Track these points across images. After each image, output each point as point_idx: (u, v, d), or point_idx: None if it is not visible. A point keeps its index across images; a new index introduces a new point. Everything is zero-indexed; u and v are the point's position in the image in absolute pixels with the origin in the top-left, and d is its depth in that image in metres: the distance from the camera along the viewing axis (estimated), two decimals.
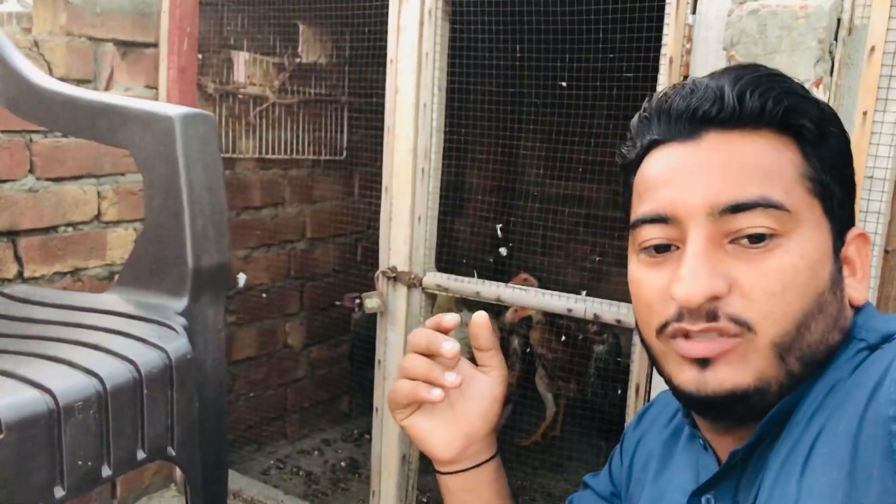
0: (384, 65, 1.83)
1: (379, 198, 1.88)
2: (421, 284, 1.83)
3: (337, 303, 2.67)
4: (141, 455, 0.96)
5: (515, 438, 2.69)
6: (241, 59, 2.36)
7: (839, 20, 1.26)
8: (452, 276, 1.80)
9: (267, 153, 2.48)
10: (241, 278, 2.42)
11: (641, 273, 0.69)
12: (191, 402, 1.02)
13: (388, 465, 1.95)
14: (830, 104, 1.27)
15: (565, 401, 2.67)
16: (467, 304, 2.66)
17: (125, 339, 1.00)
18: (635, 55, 1.59)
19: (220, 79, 2.31)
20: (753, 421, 0.64)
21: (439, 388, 0.75)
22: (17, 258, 1.88)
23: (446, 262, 1.93)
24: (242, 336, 2.55)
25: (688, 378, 0.65)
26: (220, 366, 1.16)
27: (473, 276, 1.82)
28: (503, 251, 2.34)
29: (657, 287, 0.67)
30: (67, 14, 1.95)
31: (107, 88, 2.06)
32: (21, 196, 1.86)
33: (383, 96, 1.84)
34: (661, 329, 0.66)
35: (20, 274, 1.89)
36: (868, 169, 1.27)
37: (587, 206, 2.85)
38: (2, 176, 1.82)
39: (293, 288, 2.71)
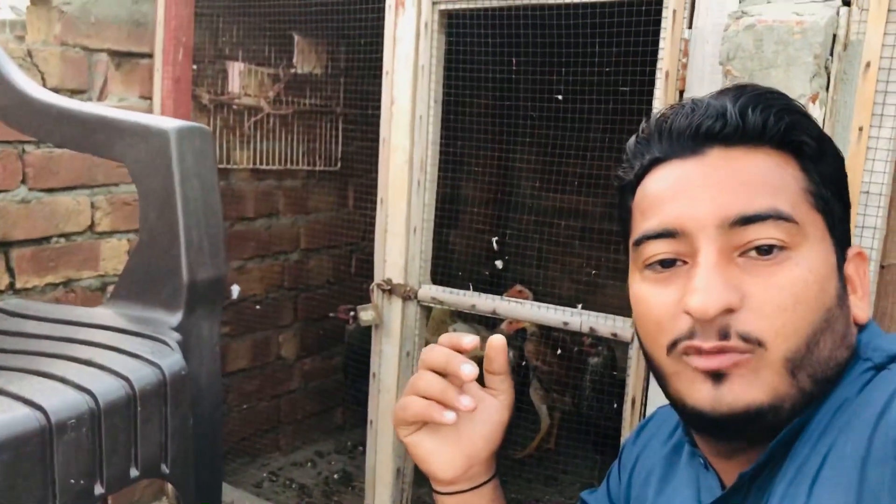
0: (379, 76, 1.83)
1: (374, 209, 1.87)
2: (416, 297, 1.82)
3: (331, 314, 2.65)
4: (134, 473, 0.95)
5: (509, 451, 2.68)
6: (235, 69, 2.36)
7: (835, 36, 1.26)
8: (448, 289, 1.79)
9: (261, 164, 2.48)
10: (235, 290, 2.41)
11: (647, 290, 0.68)
12: (185, 418, 1.01)
13: (382, 477, 1.94)
14: (827, 119, 1.28)
15: (560, 414, 2.66)
16: (461, 317, 2.66)
17: (119, 354, 0.99)
18: (631, 69, 1.59)
19: (214, 89, 2.30)
20: (761, 443, 0.64)
21: (453, 412, 0.73)
22: (9, 269, 1.87)
23: (441, 274, 1.92)
24: (236, 347, 2.54)
25: (703, 396, 0.64)
26: (215, 381, 1.14)
27: (469, 289, 1.81)
28: (499, 264, 2.34)
29: (665, 304, 0.66)
30: (62, 23, 1.95)
31: (101, 99, 2.05)
32: (13, 207, 1.85)
33: (378, 107, 1.84)
34: (672, 347, 0.65)
35: (11, 285, 1.87)
36: (864, 184, 1.27)
37: (582, 219, 2.85)
38: None
39: (287, 299, 2.70)
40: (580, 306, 1.64)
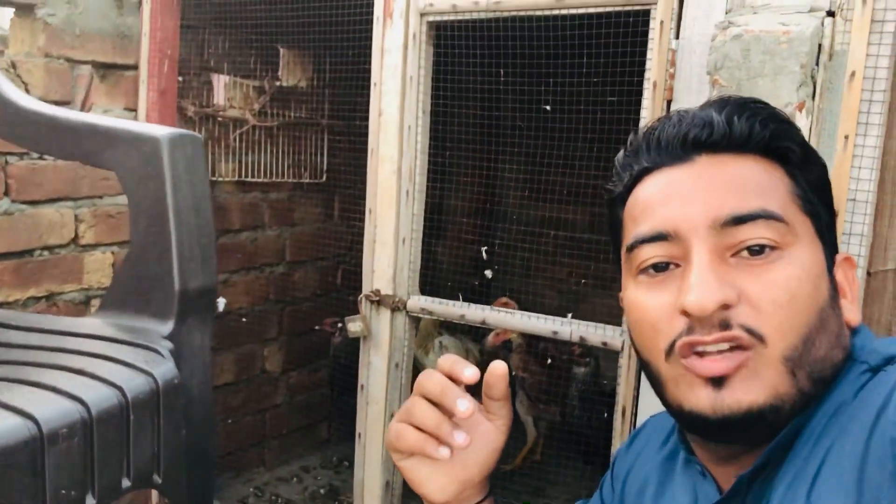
0: (365, 88, 1.83)
1: (360, 221, 1.87)
2: (405, 308, 1.82)
3: (317, 327, 2.64)
4: (126, 483, 0.94)
5: (497, 464, 2.67)
6: (221, 81, 2.35)
7: (820, 45, 1.28)
8: (437, 300, 1.79)
9: (247, 176, 2.47)
10: (221, 303, 2.39)
11: (642, 295, 0.69)
12: (178, 428, 1.00)
13: (370, 491, 1.92)
14: (813, 128, 1.30)
15: (546, 424, 2.66)
16: (448, 328, 2.65)
17: (110, 363, 0.97)
18: (619, 80, 1.61)
19: (200, 101, 2.29)
20: (759, 446, 0.64)
21: (447, 448, 0.71)
22: None
23: (429, 284, 1.92)
24: (220, 361, 2.51)
25: (702, 400, 0.63)
26: (206, 391, 1.13)
27: (456, 299, 1.81)
28: (489, 274, 2.34)
29: (661, 306, 0.66)
30: (46, 35, 1.94)
31: (84, 110, 2.03)
32: None
33: (365, 119, 1.84)
34: (670, 349, 0.65)
35: None
36: (850, 192, 1.28)
37: (570, 229, 2.86)
38: None
39: (272, 312, 2.68)
40: (570, 316, 1.64)
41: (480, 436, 0.76)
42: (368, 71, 1.82)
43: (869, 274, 1.33)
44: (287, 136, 2.57)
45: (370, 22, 1.82)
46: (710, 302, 0.61)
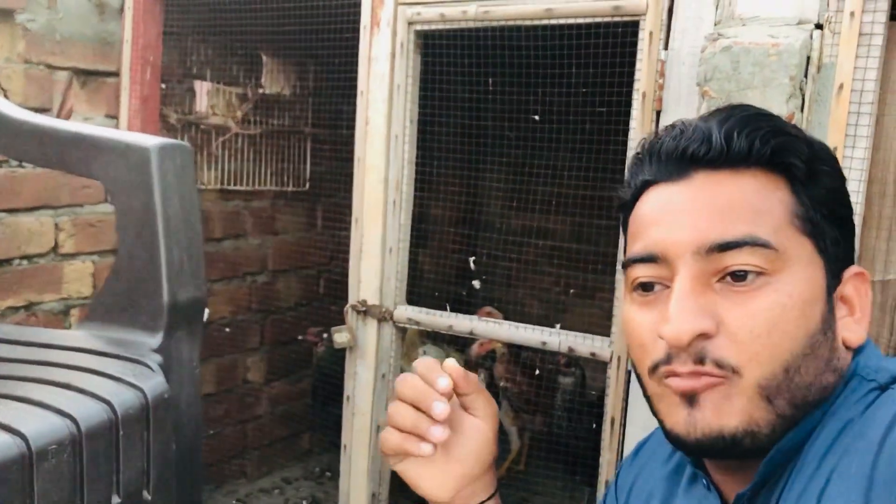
0: (349, 96, 1.82)
1: (342, 230, 1.86)
2: (392, 318, 1.80)
3: (300, 337, 2.62)
4: (115, 500, 0.92)
5: None
6: (203, 88, 2.33)
7: (809, 58, 1.29)
8: (424, 310, 1.78)
9: (229, 184, 2.44)
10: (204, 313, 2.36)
11: (633, 312, 0.70)
12: (167, 443, 0.98)
13: (356, 502, 1.90)
14: None
15: (531, 434, 2.65)
16: (431, 338, 2.64)
17: (99, 377, 0.95)
18: (608, 90, 1.61)
19: (182, 109, 2.27)
20: (757, 459, 0.64)
21: (430, 444, 0.72)
22: None
23: (411, 294, 1.90)
24: (202, 371, 2.47)
25: (678, 420, 0.65)
26: (195, 405, 1.11)
27: (445, 309, 1.80)
28: (476, 284, 2.33)
29: (648, 326, 0.67)
30: (26, 41, 1.90)
31: (62, 116, 2.00)
32: None
33: (349, 128, 1.83)
34: (654, 369, 0.66)
35: None
36: None
37: (554, 239, 2.86)
38: None
39: (254, 322, 2.65)
40: (559, 326, 1.64)
41: (466, 430, 0.77)
42: (353, 79, 1.81)
43: None
44: (270, 144, 2.55)
45: (355, 30, 1.81)
46: (685, 334, 0.62)
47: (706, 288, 0.64)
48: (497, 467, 0.82)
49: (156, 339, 1.06)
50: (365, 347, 1.84)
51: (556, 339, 1.62)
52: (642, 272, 0.68)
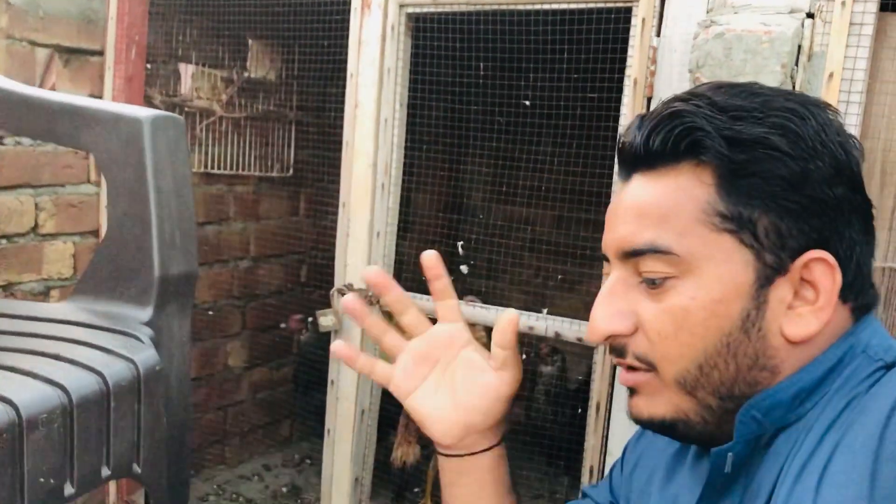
0: (335, 81, 1.82)
1: (327, 216, 1.85)
2: (378, 303, 1.79)
3: (283, 325, 2.60)
4: (105, 472, 0.91)
5: None
6: (188, 71, 2.30)
7: (800, 46, 1.30)
8: (412, 294, 1.77)
9: (212, 168, 2.42)
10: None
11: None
12: (158, 416, 0.97)
13: (339, 488, 1.90)
14: None
15: (510, 423, 2.65)
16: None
17: (90, 349, 0.94)
18: (599, 76, 1.61)
19: (167, 90, 2.24)
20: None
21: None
22: None
23: (401, 280, 1.90)
24: None
25: (627, 404, 0.72)
26: (185, 380, 1.10)
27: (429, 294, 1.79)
28: (464, 269, 2.33)
29: None
30: (9, 16, 1.87)
31: None
32: None
33: (334, 113, 1.82)
34: None
35: None
36: None
37: (537, 229, 2.87)
38: None
39: (236, 307, 2.63)
40: (545, 311, 1.64)
41: (481, 383, 0.80)
42: (339, 63, 1.80)
43: None
44: (254, 128, 2.53)
45: (343, 13, 1.80)
46: (597, 336, 0.68)
47: (630, 288, 0.68)
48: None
49: (146, 313, 1.04)
50: (350, 332, 1.83)
51: (543, 324, 1.62)
52: (604, 268, 0.74)
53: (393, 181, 1.78)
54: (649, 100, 1.46)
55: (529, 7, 1.56)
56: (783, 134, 0.63)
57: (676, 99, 0.68)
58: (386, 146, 1.77)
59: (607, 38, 1.53)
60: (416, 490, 2.47)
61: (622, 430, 1.50)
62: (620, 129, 1.50)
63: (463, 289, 2.56)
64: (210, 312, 2.48)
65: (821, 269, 0.64)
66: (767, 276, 0.64)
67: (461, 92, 1.85)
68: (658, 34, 1.44)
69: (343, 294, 1.82)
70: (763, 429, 0.65)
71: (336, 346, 0.84)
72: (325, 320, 1.82)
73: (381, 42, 1.73)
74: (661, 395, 0.67)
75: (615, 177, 1.51)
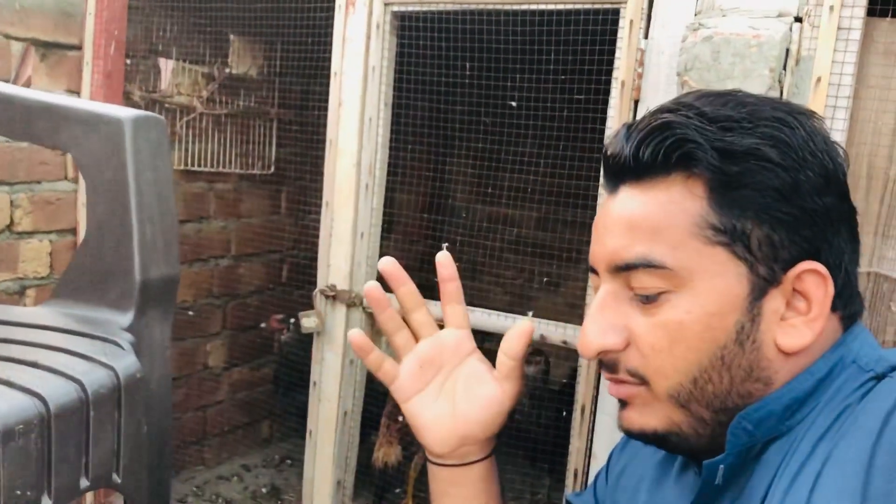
0: (317, 78, 1.79)
1: (307, 215, 1.83)
2: (362, 304, 1.78)
3: (263, 325, 2.57)
4: (84, 483, 0.88)
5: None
6: (168, 66, 2.27)
7: (788, 50, 1.30)
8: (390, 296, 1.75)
9: (193, 165, 2.38)
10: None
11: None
12: (139, 425, 0.94)
13: (320, 490, 1.88)
14: None
15: None
16: None
17: (68, 356, 0.91)
18: (586, 78, 1.60)
19: (146, 86, 2.21)
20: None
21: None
22: None
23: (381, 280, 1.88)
24: None
25: (617, 416, 0.71)
26: (165, 387, 1.08)
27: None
28: None
29: None
30: None
31: None
32: None
33: (316, 110, 1.80)
34: None
35: None
36: None
37: (521, 229, 2.86)
38: None
39: (216, 306, 2.60)
40: (531, 314, 1.63)
41: (483, 395, 0.80)
42: (322, 60, 1.78)
43: None
44: (236, 125, 2.50)
45: (327, 10, 1.77)
46: (589, 350, 0.67)
47: (621, 302, 0.67)
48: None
49: (126, 318, 1.02)
50: (333, 333, 1.81)
51: None
52: (591, 280, 0.71)
53: (377, 181, 1.76)
54: (636, 102, 1.46)
55: (516, 7, 1.55)
56: (774, 144, 0.63)
57: (664, 109, 0.67)
58: (370, 145, 1.75)
59: (594, 39, 1.52)
60: (397, 491, 2.46)
61: (607, 433, 1.50)
62: (607, 132, 1.50)
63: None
64: (190, 312, 2.44)
65: (813, 280, 0.64)
66: (761, 287, 0.63)
67: (446, 91, 1.83)
68: (646, 36, 1.44)
69: (326, 295, 1.80)
70: (754, 440, 0.64)
71: (353, 334, 0.82)
72: (308, 321, 1.80)
73: (366, 40, 1.71)
74: (653, 407, 0.67)
75: (602, 180, 1.51)
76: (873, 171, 1.34)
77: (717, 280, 0.63)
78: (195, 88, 2.35)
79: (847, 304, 0.67)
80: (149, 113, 1.06)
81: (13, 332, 0.99)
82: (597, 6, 1.49)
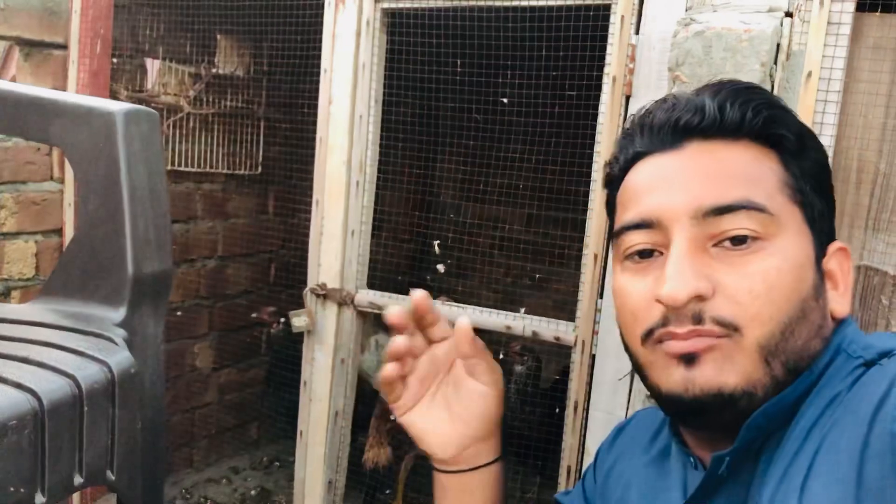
0: (305, 79, 1.78)
1: (297, 215, 1.82)
2: (353, 302, 1.77)
3: (254, 315, 2.54)
4: (78, 480, 0.86)
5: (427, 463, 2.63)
6: (154, 66, 2.25)
7: (778, 45, 1.30)
8: (387, 294, 1.75)
9: (180, 165, 2.37)
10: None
11: (625, 281, 0.69)
12: (133, 421, 0.93)
13: (312, 490, 1.87)
14: None
15: None
16: (383, 326, 2.61)
17: (61, 351, 0.90)
18: (577, 74, 1.60)
19: (133, 86, 2.19)
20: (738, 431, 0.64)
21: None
22: None
23: (371, 279, 1.87)
24: None
25: (676, 379, 0.64)
26: (159, 382, 1.07)
27: (407, 293, 1.77)
28: (441, 268, 2.31)
29: (641, 293, 0.67)
30: None
31: None
32: None
33: (304, 111, 1.79)
34: (647, 336, 0.66)
35: None
36: None
37: (507, 228, 2.86)
38: None
39: (203, 307, 2.58)
40: (523, 310, 1.63)
41: (470, 393, 0.79)
42: (311, 58, 1.77)
43: None
44: (222, 125, 2.48)
45: (316, 7, 1.77)
46: (683, 293, 0.62)
47: (702, 253, 0.64)
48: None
49: (119, 314, 1.00)
50: (323, 332, 1.80)
51: (520, 323, 1.61)
52: (637, 239, 0.68)
53: (368, 179, 1.75)
54: (628, 98, 1.46)
55: (507, 3, 1.54)
56: (812, 131, 0.70)
57: (715, 83, 0.70)
58: (360, 143, 1.74)
59: (586, 35, 1.52)
60: (387, 492, 2.45)
61: (600, 430, 1.50)
62: (598, 127, 1.50)
63: (439, 288, 2.54)
64: (178, 313, 2.42)
65: (842, 258, 0.69)
66: (817, 255, 0.66)
67: (437, 89, 1.83)
68: (637, 32, 1.44)
69: (317, 294, 1.79)
70: (762, 433, 0.64)
71: (396, 342, 0.79)
72: (299, 321, 1.79)
73: (356, 37, 1.70)
74: (734, 361, 0.62)
75: (594, 175, 1.51)
76: (863, 165, 1.35)
77: (800, 237, 0.65)
78: (182, 88, 2.34)
79: None
80: (140, 106, 1.04)
81: (3, 328, 0.97)
82: (588, 2, 1.49)
